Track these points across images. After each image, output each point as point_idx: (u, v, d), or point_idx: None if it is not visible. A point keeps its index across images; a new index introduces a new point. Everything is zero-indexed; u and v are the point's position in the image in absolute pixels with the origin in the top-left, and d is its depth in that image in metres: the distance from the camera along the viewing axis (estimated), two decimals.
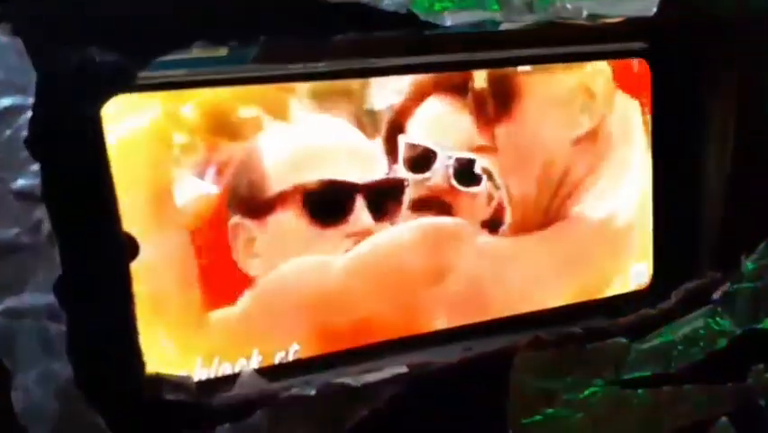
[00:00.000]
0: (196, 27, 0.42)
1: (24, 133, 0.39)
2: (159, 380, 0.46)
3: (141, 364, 0.45)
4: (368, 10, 0.42)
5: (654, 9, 0.49)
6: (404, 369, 0.51)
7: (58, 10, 0.39)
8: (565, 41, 0.54)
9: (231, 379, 0.49)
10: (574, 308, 0.61)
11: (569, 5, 0.47)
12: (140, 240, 0.46)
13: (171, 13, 0.42)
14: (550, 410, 0.58)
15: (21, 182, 0.39)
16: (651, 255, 0.63)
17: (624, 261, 0.62)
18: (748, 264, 0.60)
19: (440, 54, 0.51)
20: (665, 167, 0.61)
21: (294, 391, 0.48)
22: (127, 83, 0.42)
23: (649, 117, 0.60)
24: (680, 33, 0.56)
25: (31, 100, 0.39)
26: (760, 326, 0.63)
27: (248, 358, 0.50)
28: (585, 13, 0.48)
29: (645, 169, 0.60)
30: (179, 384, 0.46)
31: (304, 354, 0.52)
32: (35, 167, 0.39)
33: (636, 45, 0.56)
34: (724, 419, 0.65)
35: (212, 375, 0.50)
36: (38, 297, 0.40)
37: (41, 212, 0.39)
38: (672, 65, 0.58)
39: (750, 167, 0.60)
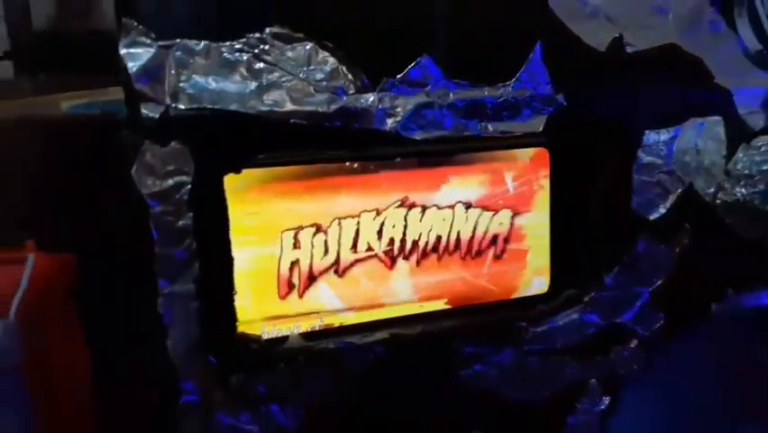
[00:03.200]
0: (280, 139, 0.73)
1: (186, 197, 0.69)
2: (244, 337, 0.77)
3: (235, 327, 0.76)
4: (372, 131, 0.75)
5: (541, 128, 0.82)
6: (386, 335, 0.82)
7: (202, 131, 0.70)
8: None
9: (283, 339, 0.79)
10: (497, 304, 0.89)
11: (490, 127, 0.79)
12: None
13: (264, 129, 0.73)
14: (478, 367, 0.88)
15: (182, 222, 0.70)
16: (548, 272, 0.91)
17: (530, 275, 0.92)
18: (607, 280, 0.92)
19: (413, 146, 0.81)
20: (558, 218, 0.89)
21: (321, 345, 0.79)
22: (237, 169, 0.73)
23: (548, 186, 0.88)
24: (566, 132, 0.88)
25: (189, 179, 0.69)
26: (618, 320, 0.96)
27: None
28: (500, 129, 0.81)
29: (545, 219, 0.90)
30: (255, 340, 0.77)
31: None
32: None
33: (537, 139, 0.85)
34: (593, 381, 0.95)
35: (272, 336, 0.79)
36: (193, 286, 0.71)
37: (190, 239, 0.71)
38: (564, 149, 0.87)
39: (612, 218, 0.91)
